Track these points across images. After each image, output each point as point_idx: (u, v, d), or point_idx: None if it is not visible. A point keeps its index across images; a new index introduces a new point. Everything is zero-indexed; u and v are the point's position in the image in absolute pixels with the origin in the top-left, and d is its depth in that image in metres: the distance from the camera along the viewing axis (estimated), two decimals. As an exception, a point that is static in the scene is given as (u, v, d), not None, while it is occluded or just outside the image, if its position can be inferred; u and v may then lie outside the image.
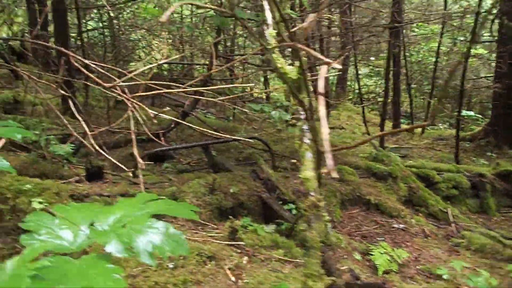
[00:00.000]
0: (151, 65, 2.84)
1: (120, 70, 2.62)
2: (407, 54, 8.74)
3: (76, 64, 2.63)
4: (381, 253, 2.62)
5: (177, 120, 3.85)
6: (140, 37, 8.64)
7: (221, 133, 4.54)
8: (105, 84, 2.32)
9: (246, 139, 3.87)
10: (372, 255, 2.63)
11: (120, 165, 3.07)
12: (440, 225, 3.46)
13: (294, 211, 2.87)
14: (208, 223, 2.79)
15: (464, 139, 7.54)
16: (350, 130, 8.13)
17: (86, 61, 2.59)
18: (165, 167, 3.71)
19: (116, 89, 2.37)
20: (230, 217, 2.74)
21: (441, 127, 10.34)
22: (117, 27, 7.71)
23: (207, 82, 4.48)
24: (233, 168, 3.40)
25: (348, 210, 3.46)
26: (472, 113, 10.05)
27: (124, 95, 2.43)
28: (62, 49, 2.54)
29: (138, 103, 2.34)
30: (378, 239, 3.07)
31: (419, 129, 8.29)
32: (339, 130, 7.65)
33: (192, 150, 4.47)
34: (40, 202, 2.31)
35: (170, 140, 4.59)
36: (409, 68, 9.04)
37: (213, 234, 2.63)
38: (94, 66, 2.49)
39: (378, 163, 3.90)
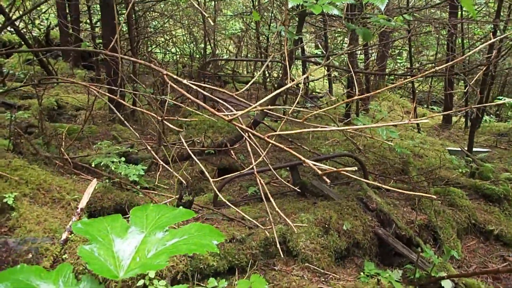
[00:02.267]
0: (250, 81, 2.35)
1: (222, 90, 2.15)
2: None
3: (173, 85, 2.18)
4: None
5: (248, 129, 3.40)
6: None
7: (295, 144, 4.08)
8: (226, 118, 1.88)
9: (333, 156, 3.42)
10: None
11: (228, 203, 2.66)
12: None
13: (428, 255, 2.42)
14: (327, 272, 2.36)
15: (529, 135, 7.00)
16: (401, 127, 7.59)
17: (184, 81, 2.13)
18: (251, 191, 3.26)
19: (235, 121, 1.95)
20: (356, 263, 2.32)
21: (487, 118, 9.76)
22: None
23: (281, 86, 3.99)
24: (335, 195, 2.95)
25: (464, 241, 3.01)
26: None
27: (243, 127, 2.00)
28: (160, 70, 2.06)
29: (255, 132, 1.91)
30: (516, 282, 2.63)
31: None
32: (393, 128, 7.12)
33: (262, 163, 4.02)
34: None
35: (235, 151, 4.14)
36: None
37: (342, 289, 2.21)
38: (194, 86, 2.05)
39: (484, 182, 3.42)
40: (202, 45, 8.71)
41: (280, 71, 9.14)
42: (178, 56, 9.57)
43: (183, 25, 9.00)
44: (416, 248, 2.67)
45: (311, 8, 1.97)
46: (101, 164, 2.72)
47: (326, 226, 2.50)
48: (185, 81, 2.13)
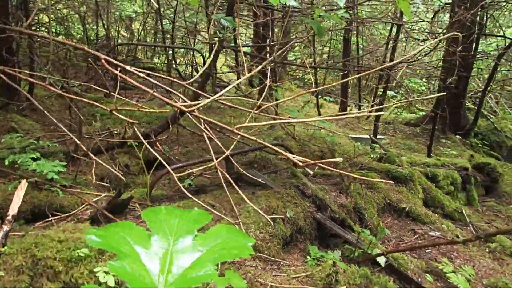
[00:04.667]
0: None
1: (164, 77, 2.01)
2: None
3: (114, 71, 2.00)
4: (454, 273, 2.58)
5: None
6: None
7: (223, 134, 4.03)
8: (185, 109, 1.81)
9: (266, 146, 3.49)
10: (446, 276, 2.58)
11: (187, 192, 2.62)
12: (461, 226, 3.60)
13: (366, 234, 2.64)
14: (278, 259, 2.42)
15: (409, 123, 8.09)
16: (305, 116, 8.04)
17: (128, 67, 1.98)
18: (187, 184, 3.12)
19: (195, 112, 1.89)
20: (325, 254, 2.43)
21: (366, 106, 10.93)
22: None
23: (209, 75, 3.88)
24: (272, 184, 3.01)
25: (382, 218, 3.37)
26: (393, 93, 10.95)
27: (200, 117, 1.96)
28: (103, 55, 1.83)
29: (220, 124, 1.89)
30: (426, 251, 3.05)
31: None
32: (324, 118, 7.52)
33: (189, 154, 3.89)
34: (105, 272, 1.69)
35: (162, 143, 3.91)
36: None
37: (295, 275, 2.29)
38: (140, 74, 1.92)
39: (392, 165, 3.86)
40: (92, 26, 7.94)
41: (187, 60, 8.90)
42: (62, 37, 8.55)
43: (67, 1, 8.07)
44: (348, 229, 2.90)
45: (316, 29, 1.95)
46: (19, 161, 2.31)
47: (274, 214, 2.55)
48: (128, 68, 1.94)
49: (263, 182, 3.06)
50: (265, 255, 2.39)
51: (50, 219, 2.45)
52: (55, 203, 2.54)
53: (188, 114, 1.89)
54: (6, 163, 2.32)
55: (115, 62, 2.02)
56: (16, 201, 1.70)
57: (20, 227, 2.33)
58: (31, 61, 4.21)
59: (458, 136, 7.14)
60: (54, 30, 8.35)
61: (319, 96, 11.83)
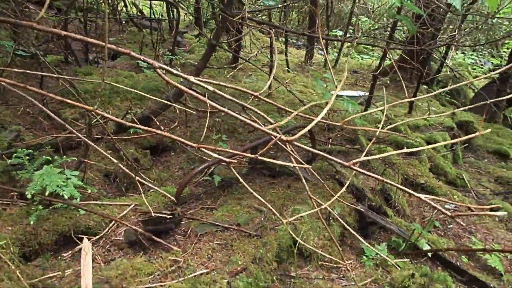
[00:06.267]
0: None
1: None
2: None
3: (200, 97, 1.65)
4: (489, 254, 2.71)
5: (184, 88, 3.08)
6: None
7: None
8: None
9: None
10: (481, 256, 2.69)
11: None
12: (463, 193, 3.77)
13: (418, 229, 2.62)
14: (339, 265, 2.33)
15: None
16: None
17: (191, 78, 1.64)
18: (217, 180, 2.78)
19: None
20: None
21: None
22: None
23: (215, 46, 3.37)
24: (308, 175, 2.82)
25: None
26: (341, 32, 10.79)
27: (297, 145, 1.72)
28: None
29: (305, 147, 1.68)
30: (449, 227, 3.16)
31: (332, 61, 8.50)
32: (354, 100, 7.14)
33: (195, 136, 3.50)
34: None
35: (164, 122, 3.44)
36: None
37: (362, 282, 2.23)
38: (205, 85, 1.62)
39: (398, 135, 3.84)
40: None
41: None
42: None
43: None
44: (384, 215, 2.88)
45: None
46: (46, 191, 1.84)
47: (330, 217, 2.41)
48: (192, 78, 1.56)
49: (303, 175, 2.87)
50: (327, 262, 2.29)
51: (80, 246, 2.08)
52: (80, 225, 2.15)
53: (278, 142, 1.59)
54: (29, 195, 1.84)
55: (168, 68, 1.61)
56: (87, 272, 1.34)
57: (50, 262, 1.95)
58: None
59: (424, 86, 7.36)
60: None
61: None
